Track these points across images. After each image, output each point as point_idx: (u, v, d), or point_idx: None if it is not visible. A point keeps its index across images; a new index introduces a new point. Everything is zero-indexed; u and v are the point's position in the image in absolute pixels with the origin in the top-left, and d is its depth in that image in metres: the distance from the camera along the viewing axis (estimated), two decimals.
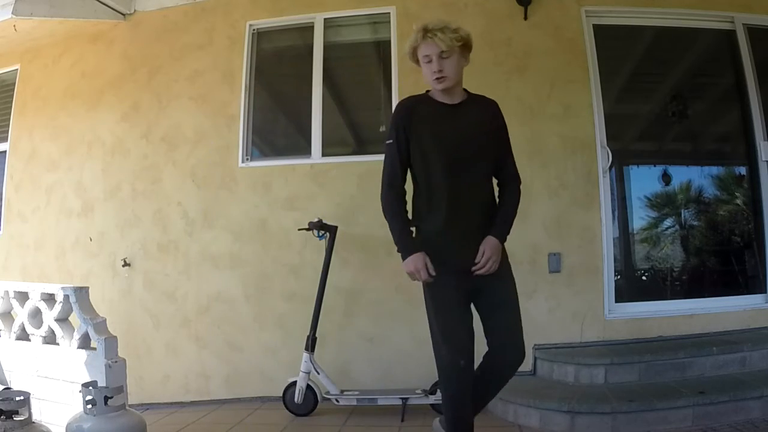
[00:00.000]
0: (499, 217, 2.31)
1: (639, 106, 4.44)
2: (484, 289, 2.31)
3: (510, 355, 2.33)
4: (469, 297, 2.31)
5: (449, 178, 2.24)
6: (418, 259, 2.25)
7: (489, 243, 2.24)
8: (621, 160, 4.22)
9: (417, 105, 2.35)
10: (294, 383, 3.55)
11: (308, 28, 4.39)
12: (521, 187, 2.39)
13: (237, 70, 4.39)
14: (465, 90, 2.38)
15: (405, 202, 2.32)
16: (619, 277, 4.03)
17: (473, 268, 2.23)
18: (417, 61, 2.33)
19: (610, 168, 3.96)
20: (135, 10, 4.68)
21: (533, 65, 3.98)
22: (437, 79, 2.24)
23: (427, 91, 2.39)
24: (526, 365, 3.31)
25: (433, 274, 2.24)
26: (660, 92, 4.38)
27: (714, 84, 4.36)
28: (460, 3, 4.13)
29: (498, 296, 2.33)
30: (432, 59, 2.23)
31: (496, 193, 2.40)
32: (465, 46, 2.29)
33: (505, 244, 2.33)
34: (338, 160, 4.23)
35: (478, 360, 2.34)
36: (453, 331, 2.24)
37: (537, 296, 3.80)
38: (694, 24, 4.08)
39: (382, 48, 4.32)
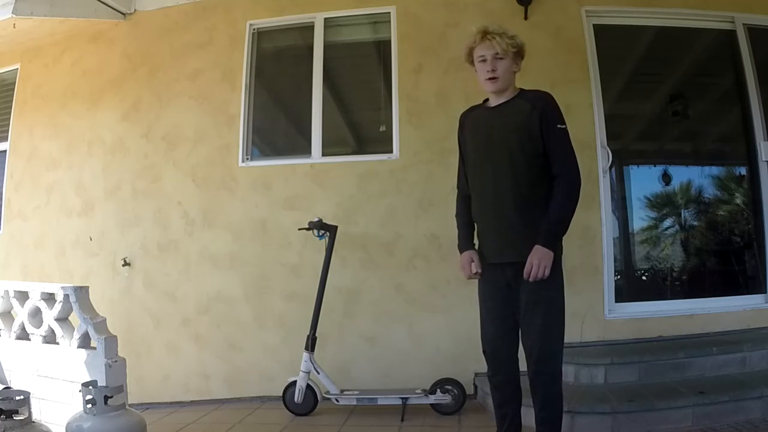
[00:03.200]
0: (543, 222, 2.28)
1: (639, 106, 4.44)
2: (516, 287, 2.34)
3: (529, 363, 2.35)
4: (506, 292, 2.37)
5: (479, 176, 2.45)
6: (463, 258, 2.50)
7: (533, 252, 2.26)
8: (621, 160, 4.23)
9: (470, 112, 2.57)
10: (294, 383, 3.55)
11: (308, 28, 4.39)
12: (574, 177, 2.31)
13: (237, 69, 4.39)
14: (521, 90, 2.45)
15: (466, 203, 2.56)
16: (619, 277, 4.03)
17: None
18: (472, 62, 2.46)
19: (611, 168, 3.96)
20: (135, 10, 4.68)
21: (533, 65, 3.92)
22: (490, 79, 2.38)
23: (486, 99, 2.54)
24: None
25: (477, 271, 2.45)
26: (660, 92, 4.38)
27: (714, 84, 4.36)
28: (461, 3, 4.13)
29: (524, 298, 2.33)
30: (487, 59, 2.38)
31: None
32: (518, 53, 2.41)
33: None
34: (338, 160, 4.23)
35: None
36: (483, 321, 2.48)
37: None
38: (694, 24, 4.08)
39: (383, 48, 4.31)
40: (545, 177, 2.34)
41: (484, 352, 2.49)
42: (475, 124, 2.51)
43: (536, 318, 2.30)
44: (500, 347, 2.42)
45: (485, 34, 2.37)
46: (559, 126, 2.33)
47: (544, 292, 2.30)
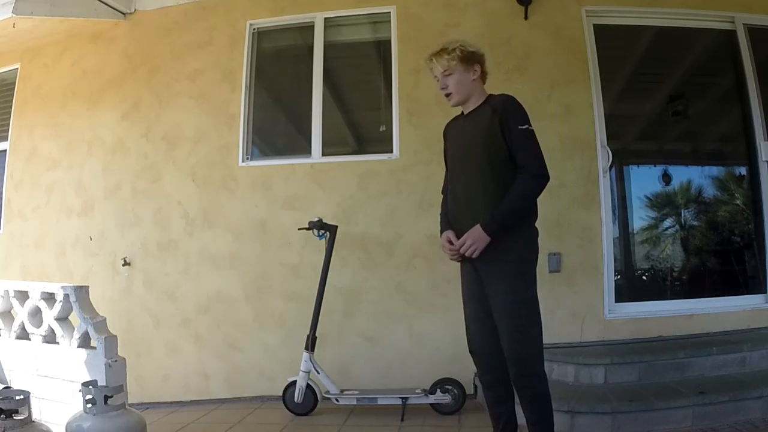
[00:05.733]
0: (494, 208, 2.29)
1: (639, 106, 4.44)
2: (488, 290, 2.36)
3: (510, 365, 2.35)
4: (485, 293, 2.38)
5: (453, 180, 2.52)
6: (442, 238, 2.47)
7: (471, 230, 2.30)
8: (621, 160, 4.23)
9: (451, 123, 2.66)
10: (294, 383, 3.55)
11: (309, 28, 4.39)
12: (535, 174, 2.30)
13: (237, 69, 4.40)
14: (489, 95, 2.48)
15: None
16: (619, 277, 4.03)
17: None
18: None
19: (611, 168, 3.96)
20: (135, 9, 4.68)
21: (533, 65, 3.98)
22: (446, 95, 2.49)
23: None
24: None
25: (454, 242, 2.38)
26: (660, 92, 4.38)
27: (714, 84, 4.36)
28: (461, 3, 4.13)
29: (493, 299, 2.34)
30: (439, 78, 2.48)
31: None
32: (467, 60, 2.43)
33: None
34: (338, 160, 4.24)
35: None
36: (467, 320, 2.51)
37: None
38: (694, 24, 4.08)
39: (383, 48, 4.32)
40: (514, 180, 2.34)
41: (471, 352, 2.50)
42: (453, 134, 2.59)
43: (509, 320, 2.29)
44: (487, 347, 2.42)
45: (428, 59, 2.47)
46: (520, 127, 2.31)
47: (516, 293, 2.30)
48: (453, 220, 2.47)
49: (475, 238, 2.27)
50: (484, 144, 2.35)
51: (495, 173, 2.33)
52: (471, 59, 2.43)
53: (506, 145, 2.32)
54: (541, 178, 2.32)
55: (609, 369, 3.35)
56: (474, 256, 2.28)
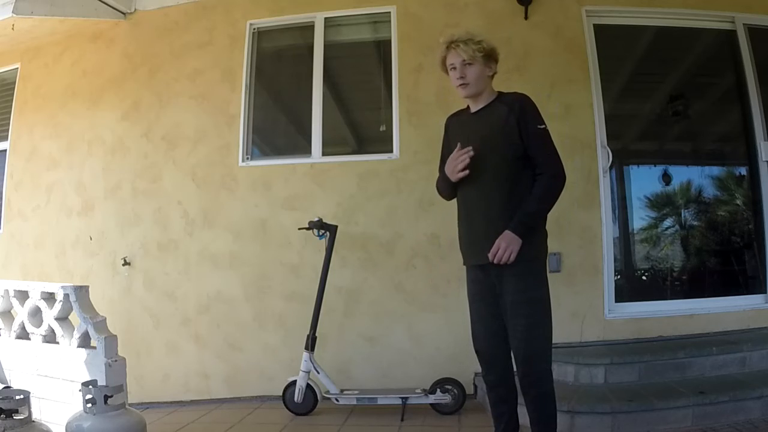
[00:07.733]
0: (519, 211, 2.29)
1: (639, 106, 4.44)
2: (500, 289, 2.35)
3: (517, 364, 2.36)
4: (491, 293, 2.38)
5: (462, 181, 2.40)
6: (447, 164, 2.41)
7: (502, 236, 2.27)
8: (621, 160, 4.22)
9: (453, 118, 2.62)
10: (294, 382, 3.55)
11: (309, 28, 4.39)
12: (554, 174, 2.31)
13: (237, 69, 4.40)
14: (499, 93, 2.47)
15: None
16: (619, 277, 4.03)
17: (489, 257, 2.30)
18: (447, 71, 2.48)
19: (611, 168, 3.96)
20: (135, 9, 4.68)
21: (533, 65, 3.98)
22: (460, 85, 2.41)
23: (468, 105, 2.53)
24: None
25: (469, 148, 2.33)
26: (660, 92, 4.38)
27: (714, 84, 4.36)
28: (461, 2, 4.13)
29: (508, 299, 2.33)
30: (456, 67, 2.40)
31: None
32: (488, 56, 2.42)
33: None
34: (338, 160, 4.24)
35: None
36: (473, 322, 2.49)
37: None
38: (694, 24, 4.09)
39: (383, 47, 4.32)
40: (527, 179, 2.34)
41: (476, 352, 2.50)
42: (458, 130, 2.54)
43: (520, 319, 2.30)
44: (491, 347, 2.43)
45: (450, 43, 2.39)
46: (538, 126, 2.33)
47: (528, 292, 2.31)
48: (465, 220, 2.46)
49: (509, 241, 2.25)
50: (499, 143, 2.33)
51: (508, 172, 2.32)
52: (492, 56, 2.43)
53: (522, 144, 2.31)
54: (559, 178, 2.33)
55: (609, 369, 3.36)
56: (511, 260, 2.25)
